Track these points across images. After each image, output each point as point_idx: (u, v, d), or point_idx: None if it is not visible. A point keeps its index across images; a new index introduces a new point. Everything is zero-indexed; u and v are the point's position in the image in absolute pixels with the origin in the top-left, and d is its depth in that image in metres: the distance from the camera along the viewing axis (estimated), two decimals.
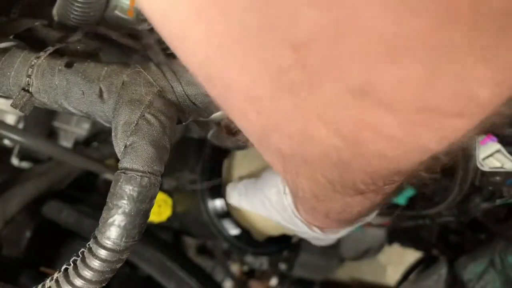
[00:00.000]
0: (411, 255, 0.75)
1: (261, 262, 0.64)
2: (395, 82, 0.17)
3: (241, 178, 0.52)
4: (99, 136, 0.53)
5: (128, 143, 0.30)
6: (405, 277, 0.73)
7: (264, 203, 0.45)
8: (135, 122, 0.30)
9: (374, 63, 0.16)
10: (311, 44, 0.16)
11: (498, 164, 0.45)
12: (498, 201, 0.48)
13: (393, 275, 0.81)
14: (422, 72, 0.16)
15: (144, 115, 0.30)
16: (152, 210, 0.56)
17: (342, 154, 0.22)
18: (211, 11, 0.17)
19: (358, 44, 0.16)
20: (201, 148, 0.53)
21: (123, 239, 0.30)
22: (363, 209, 0.33)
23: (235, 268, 0.73)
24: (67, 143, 0.48)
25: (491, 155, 0.45)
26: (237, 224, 0.53)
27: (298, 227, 0.42)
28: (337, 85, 0.18)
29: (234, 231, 0.53)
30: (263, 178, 0.46)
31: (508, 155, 0.44)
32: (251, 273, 0.75)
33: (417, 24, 0.15)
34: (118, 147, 0.31)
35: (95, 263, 0.30)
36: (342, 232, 0.43)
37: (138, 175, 0.30)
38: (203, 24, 0.18)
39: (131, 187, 0.30)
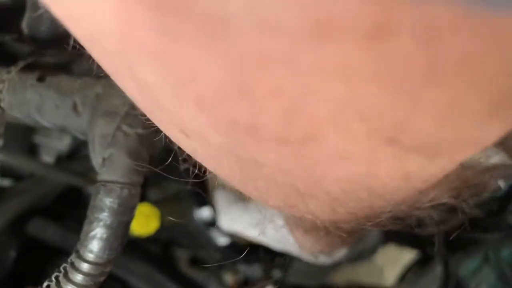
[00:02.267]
0: (408, 255, 0.75)
1: (254, 270, 0.63)
2: None
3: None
4: (84, 148, 0.52)
5: (106, 156, 0.29)
6: (402, 277, 0.72)
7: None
8: (112, 134, 0.29)
9: None
10: None
11: (483, 158, 0.45)
12: (485, 195, 0.48)
13: (390, 275, 0.80)
14: None
15: (120, 127, 0.30)
16: (139, 223, 0.56)
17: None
18: None
19: None
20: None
21: (106, 251, 0.30)
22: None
23: (229, 278, 0.72)
24: (49, 158, 0.48)
25: None
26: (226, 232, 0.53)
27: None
28: None
29: (223, 239, 0.53)
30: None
31: (493, 148, 0.44)
32: (246, 283, 0.74)
33: None
34: (96, 160, 0.30)
35: (78, 278, 0.29)
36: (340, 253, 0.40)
37: (117, 187, 0.29)
38: None
39: (111, 199, 0.29)
